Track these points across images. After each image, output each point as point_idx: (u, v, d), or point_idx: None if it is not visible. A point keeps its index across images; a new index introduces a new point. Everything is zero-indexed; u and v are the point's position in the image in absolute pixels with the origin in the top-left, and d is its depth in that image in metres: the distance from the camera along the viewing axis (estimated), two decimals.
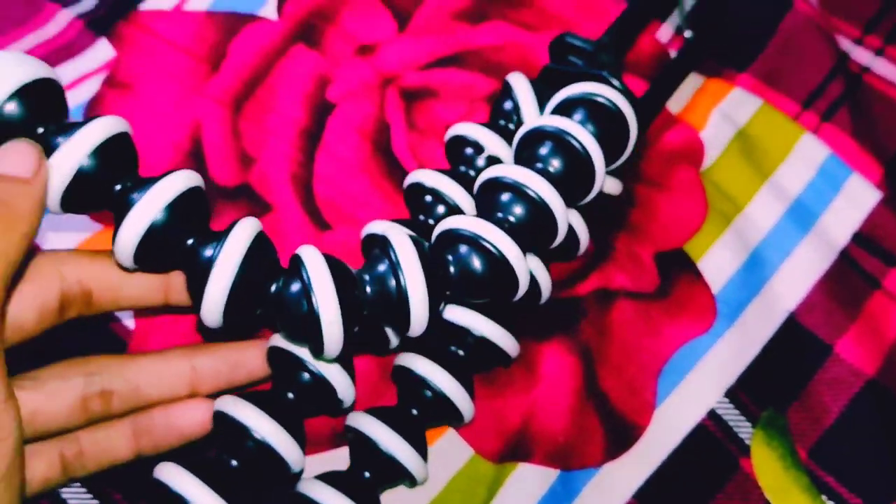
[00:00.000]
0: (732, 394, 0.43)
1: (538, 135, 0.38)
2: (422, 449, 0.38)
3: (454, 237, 0.35)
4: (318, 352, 0.34)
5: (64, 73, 0.49)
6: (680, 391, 0.43)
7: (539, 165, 0.37)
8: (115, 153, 0.33)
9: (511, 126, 0.44)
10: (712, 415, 0.43)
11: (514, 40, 0.51)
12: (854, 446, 0.42)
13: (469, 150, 0.43)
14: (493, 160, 0.42)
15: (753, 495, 0.41)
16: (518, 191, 0.36)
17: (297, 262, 0.34)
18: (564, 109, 0.39)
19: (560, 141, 0.37)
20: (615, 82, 0.41)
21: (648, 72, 0.51)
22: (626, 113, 0.39)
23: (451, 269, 0.35)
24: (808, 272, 0.46)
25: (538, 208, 0.36)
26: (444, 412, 0.39)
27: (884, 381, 0.43)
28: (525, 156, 0.38)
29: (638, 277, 0.45)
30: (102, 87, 0.49)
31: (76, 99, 0.48)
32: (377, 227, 0.40)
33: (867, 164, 0.48)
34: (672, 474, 0.41)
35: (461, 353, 0.40)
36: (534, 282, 0.41)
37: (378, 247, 0.35)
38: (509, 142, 0.42)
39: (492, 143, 0.42)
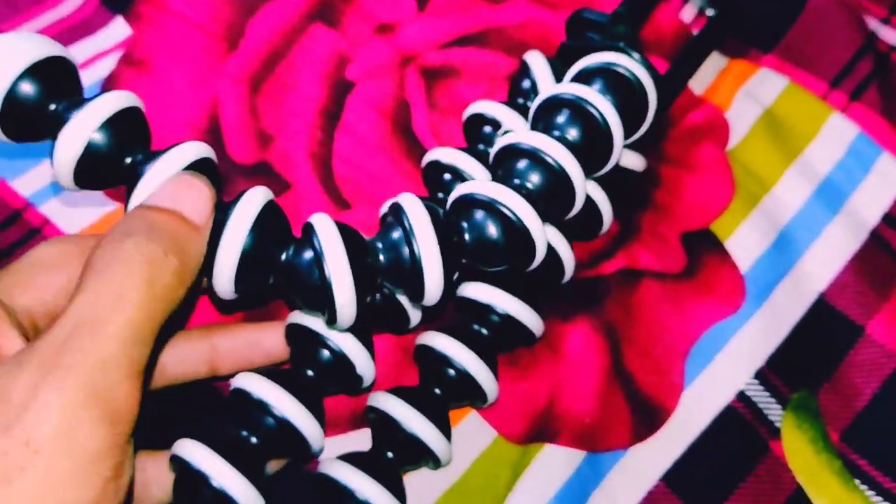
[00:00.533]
0: (762, 375, 0.42)
1: (555, 103, 0.37)
2: (445, 429, 0.38)
3: (470, 202, 0.34)
4: (331, 321, 0.33)
5: (80, 51, 0.49)
6: (708, 372, 0.42)
7: (556, 133, 0.36)
8: (125, 127, 0.32)
9: (529, 104, 0.42)
10: (742, 396, 0.42)
11: (536, 18, 0.50)
12: (887, 429, 0.41)
13: (487, 128, 0.42)
14: None
15: (785, 479, 0.40)
16: (535, 157, 0.35)
17: (308, 230, 0.33)
18: (582, 79, 0.38)
19: (577, 108, 0.36)
20: (633, 52, 0.40)
21: (671, 52, 0.50)
22: (645, 81, 0.38)
23: (466, 235, 0.34)
24: (838, 252, 0.45)
25: (556, 175, 0.35)
26: (468, 391, 0.38)
27: None
28: (542, 124, 0.37)
29: (664, 257, 0.44)
30: (119, 66, 0.48)
31: (92, 77, 0.48)
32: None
33: None
34: (701, 457, 0.40)
35: (484, 331, 0.39)
36: (557, 258, 0.40)
37: (391, 214, 0.34)
38: (528, 119, 0.41)
39: (510, 120, 0.41)
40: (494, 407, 0.41)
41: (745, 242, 0.45)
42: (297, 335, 0.37)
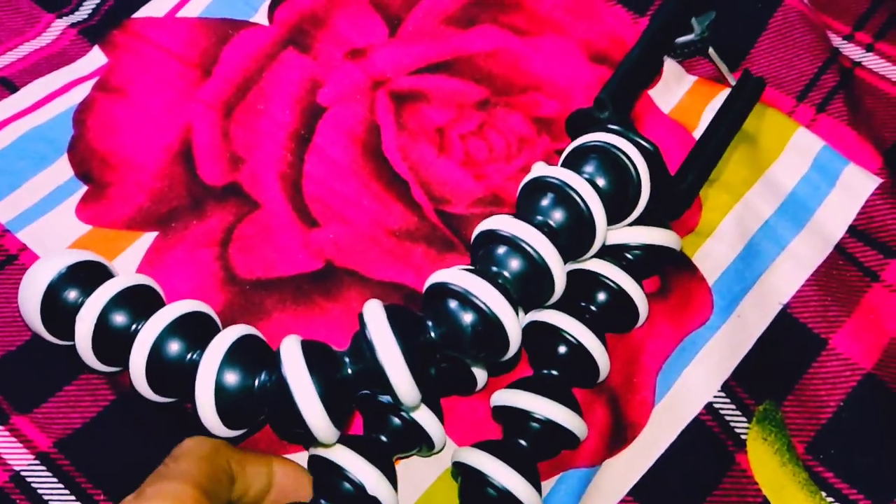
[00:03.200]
0: (728, 387, 0.42)
1: (539, 185, 0.38)
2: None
3: (442, 292, 0.35)
4: (311, 439, 0.34)
5: (57, 79, 0.50)
6: (678, 386, 0.42)
7: (538, 218, 0.37)
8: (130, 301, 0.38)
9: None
10: (709, 408, 0.42)
11: (505, 46, 0.51)
12: (853, 440, 0.41)
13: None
14: None
15: (750, 491, 0.40)
16: (513, 244, 0.36)
17: (276, 357, 0.34)
18: (571, 159, 0.39)
19: (560, 192, 0.37)
20: (627, 132, 0.40)
21: None
22: (635, 159, 0.39)
23: (432, 333, 0.34)
24: (802, 266, 0.45)
25: (534, 263, 0.36)
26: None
27: (882, 376, 0.42)
28: (524, 207, 0.38)
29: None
30: (93, 92, 0.49)
31: (67, 103, 0.49)
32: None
33: (865, 152, 0.48)
34: (668, 471, 0.40)
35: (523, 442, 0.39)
36: (592, 361, 0.40)
37: (359, 322, 0.35)
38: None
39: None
40: (460, 424, 0.41)
41: (712, 254, 0.45)
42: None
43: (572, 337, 0.39)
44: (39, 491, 0.39)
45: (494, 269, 0.36)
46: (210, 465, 0.32)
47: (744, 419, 0.41)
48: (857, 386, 0.42)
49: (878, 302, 0.44)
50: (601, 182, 0.38)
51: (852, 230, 0.46)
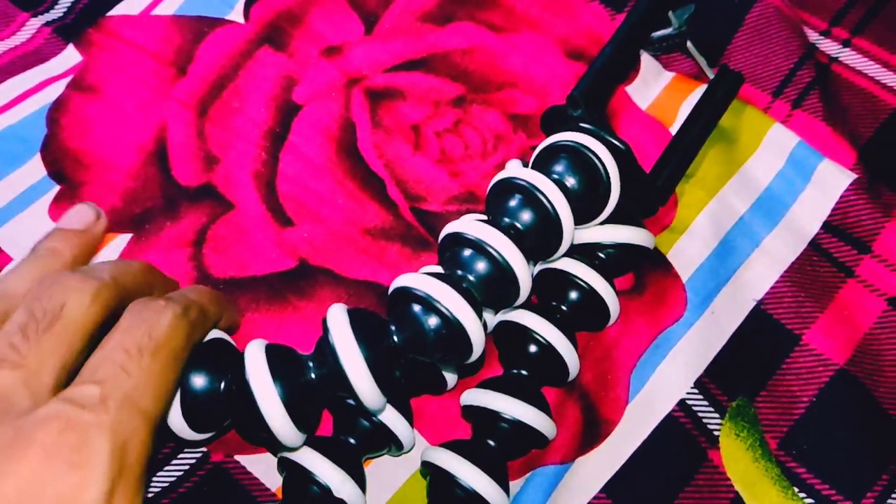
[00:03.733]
0: (701, 384, 0.42)
1: (505, 187, 0.38)
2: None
3: (404, 296, 0.35)
4: (277, 443, 0.34)
5: (31, 77, 0.49)
6: (652, 383, 0.42)
7: (506, 220, 0.37)
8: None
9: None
10: (682, 405, 0.42)
11: (481, 43, 0.51)
12: (825, 436, 0.41)
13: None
14: None
15: (723, 487, 0.40)
16: (478, 247, 0.36)
17: (240, 361, 0.34)
18: (541, 159, 0.40)
19: (527, 194, 0.37)
20: (597, 131, 0.40)
21: None
22: (604, 158, 0.39)
23: (395, 337, 0.35)
24: (776, 263, 0.45)
25: (499, 265, 0.36)
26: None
27: (854, 371, 0.42)
28: (491, 210, 0.38)
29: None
30: (66, 90, 0.49)
31: (41, 102, 0.49)
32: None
33: (840, 147, 0.48)
34: (640, 468, 0.40)
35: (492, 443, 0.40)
36: (562, 360, 0.40)
37: (323, 328, 0.35)
38: None
39: None
40: (432, 422, 0.41)
41: (687, 250, 0.45)
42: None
43: (541, 337, 0.39)
44: None
45: (459, 272, 0.36)
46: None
47: (717, 415, 0.42)
48: (829, 381, 0.42)
49: (852, 297, 0.45)
50: (570, 182, 0.38)
51: (827, 226, 0.46)
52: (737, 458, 0.41)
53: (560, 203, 0.37)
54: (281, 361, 0.33)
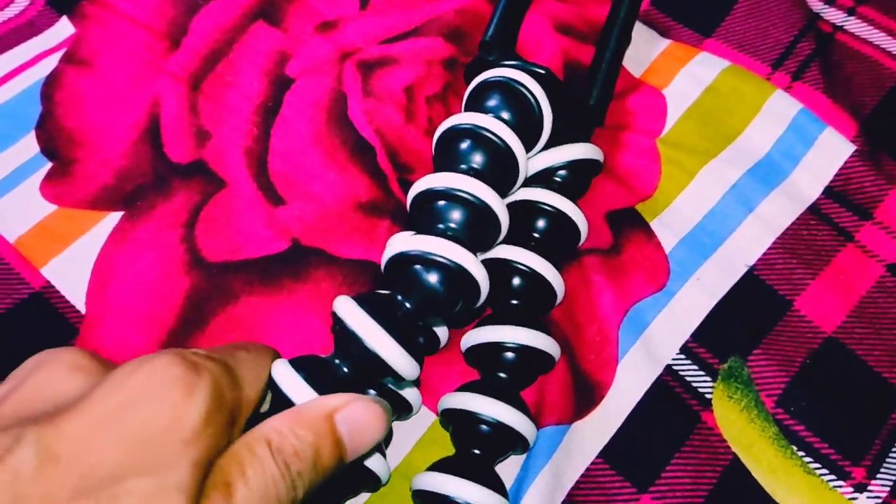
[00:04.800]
0: (688, 349, 0.43)
1: (454, 133, 0.39)
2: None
3: (402, 261, 0.36)
4: None
5: (25, 51, 0.50)
6: (636, 349, 0.43)
7: (462, 166, 0.38)
8: None
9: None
10: (669, 370, 0.42)
11: (474, 6, 0.51)
12: (822, 395, 0.41)
13: None
14: None
15: (720, 449, 0.40)
16: (451, 196, 0.37)
17: (271, 384, 0.34)
18: (477, 95, 0.40)
19: (476, 135, 0.38)
20: (522, 64, 0.41)
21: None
22: (534, 90, 0.40)
23: (407, 304, 0.35)
24: (770, 228, 0.46)
25: (476, 207, 0.37)
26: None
27: (843, 339, 0.43)
28: (445, 157, 0.39)
29: (592, 235, 0.45)
30: (60, 64, 0.50)
31: (34, 77, 0.49)
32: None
33: (841, 119, 0.48)
34: (635, 432, 0.41)
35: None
36: (547, 284, 0.41)
37: (336, 324, 0.35)
38: None
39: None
40: (433, 391, 0.41)
41: (671, 222, 0.46)
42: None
43: (524, 266, 0.40)
44: None
45: (441, 225, 0.37)
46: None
47: (707, 378, 0.42)
48: (818, 348, 0.43)
49: (850, 262, 0.45)
50: (505, 115, 0.39)
51: (828, 191, 0.47)
52: (731, 419, 0.41)
53: (506, 134, 0.38)
54: (310, 371, 0.33)
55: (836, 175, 0.47)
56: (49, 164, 0.46)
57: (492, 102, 0.39)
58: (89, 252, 0.44)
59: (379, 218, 0.45)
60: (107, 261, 0.44)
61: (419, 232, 0.37)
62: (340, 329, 0.34)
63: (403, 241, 0.36)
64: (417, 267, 0.35)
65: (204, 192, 0.46)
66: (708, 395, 0.41)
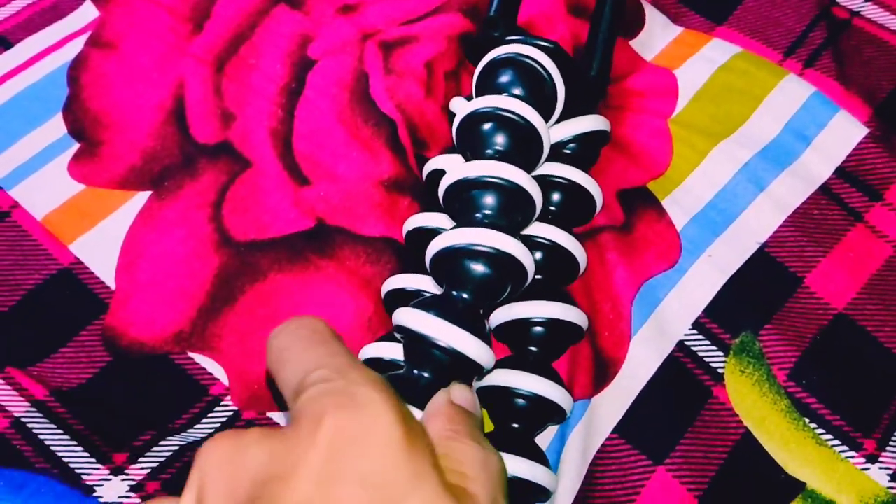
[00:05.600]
0: (700, 324, 0.44)
1: (476, 118, 0.39)
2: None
3: (450, 255, 0.37)
4: None
5: (50, 34, 0.51)
6: (649, 326, 0.44)
7: (489, 151, 0.39)
8: None
9: None
10: (681, 346, 0.43)
11: None
12: (833, 369, 0.42)
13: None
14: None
15: (731, 424, 0.41)
16: (485, 184, 0.37)
17: None
18: (489, 73, 0.41)
19: (500, 118, 0.39)
20: (530, 39, 0.42)
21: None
22: (546, 64, 0.40)
23: (465, 295, 0.36)
24: (781, 207, 0.47)
25: (510, 191, 0.37)
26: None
27: (853, 315, 0.44)
28: (468, 146, 0.40)
29: (605, 212, 0.46)
30: (86, 48, 0.51)
31: (61, 59, 0.50)
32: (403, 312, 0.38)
33: (854, 103, 0.49)
34: (647, 408, 0.42)
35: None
36: (573, 258, 0.42)
37: (404, 336, 0.36)
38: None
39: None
40: None
41: (682, 200, 0.47)
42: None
43: (545, 239, 0.41)
44: (41, 437, 0.40)
45: (478, 214, 0.38)
46: None
47: (720, 353, 0.43)
48: (828, 325, 0.43)
49: (859, 242, 0.46)
50: (518, 91, 0.40)
51: (840, 171, 0.48)
52: (743, 393, 0.42)
53: (529, 113, 0.39)
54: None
55: (849, 156, 0.47)
56: (77, 145, 0.47)
57: (505, 79, 0.40)
58: (118, 230, 0.45)
59: (400, 194, 0.46)
60: (135, 238, 0.45)
61: (459, 222, 0.38)
62: (411, 338, 0.35)
63: (451, 234, 0.37)
64: (467, 259, 0.36)
65: (230, 171, 0.47)
66: (720, 370, 0.42)
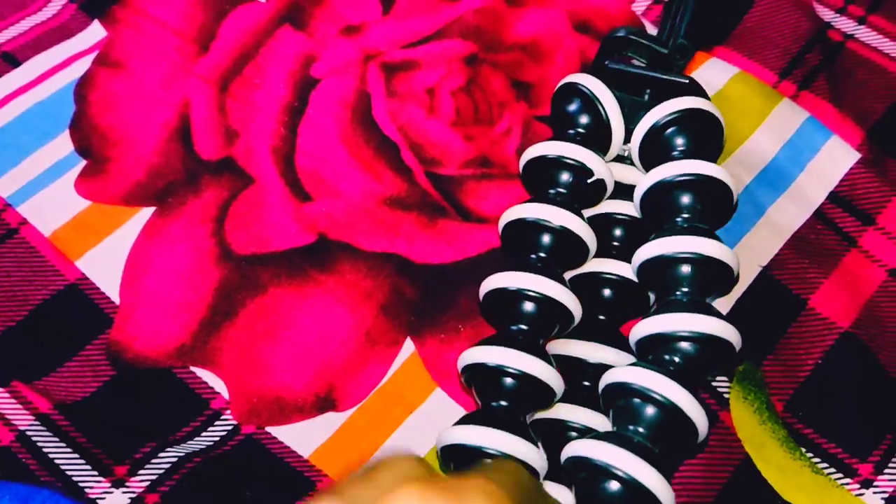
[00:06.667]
0: None
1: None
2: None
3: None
4: None
5: (57, 53, 0.52)
6: None
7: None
8: None
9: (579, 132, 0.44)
10: None
11: (493, 5, 0.53)
12: (830, 397, 0.43)
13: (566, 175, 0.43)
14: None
15: (735, 449, 0.42)
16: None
17: None
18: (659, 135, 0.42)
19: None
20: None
21: None
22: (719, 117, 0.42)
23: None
24: (780, 231, 0.47)
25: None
26: None
27: (859, 334, 0.44)
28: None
29: None
30: (93, 66, 0.51)
31: (68, 77, 0.51)
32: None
33: (847, 127, 0.49)
34: None
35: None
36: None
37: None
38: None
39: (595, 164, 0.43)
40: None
41: None
42: None
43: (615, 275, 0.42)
44: (45, 450, 0.40)
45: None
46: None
47: (725, 379, 0.43)
48: (834, 344, 0.44)
49: (854, 266, 0.46)
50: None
51: (833, 196, 0.48)
52: (745, 420, 0.42)
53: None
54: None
55: (841, 181, 0.48)
56: (83, 162, 0.48)
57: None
58: (123, 245, 0.46)
59: (405, 211, 0.47)
60: (139, 253, 0.46)
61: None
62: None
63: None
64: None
65: (233, 188, 0.48)
66: (726, 395, 0.43)
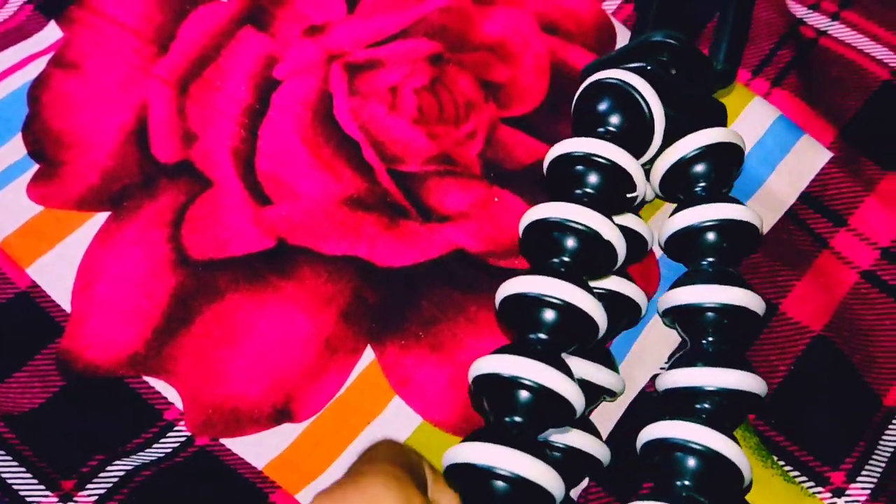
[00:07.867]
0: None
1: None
2: None
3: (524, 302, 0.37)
4: None
5: (12, 55, 0.51)
6: (629, 358, 0.43)
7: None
8: None
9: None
10: (655, 379, 0.42)
11: (459, 4, 0.52)
12: (802, 405, 0.42)
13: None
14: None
15: None
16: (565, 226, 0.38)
17: None
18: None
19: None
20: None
21: (594, 42, 0.51)
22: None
23: (542, 336, 0.37)
24: None
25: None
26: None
27: (831, 337, 0.43)
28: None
29: None
30: (48, 67, 0.50)
31: (22, 79, 0.50)
32: None
33: (818, 125, 0.49)
34: (627, 439, 0.40)
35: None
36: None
37: (482, 385, 0.36)
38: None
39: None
40: (420, 393, 0.42)
41: (656, 227, 0.46)
42: None
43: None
44: None
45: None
46: (406, 458, 0.30)
47: None
48: (806, 349, 0.43)
49: (828, 268, 0.45)
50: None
51: (805, 196, 0.47)
52: None
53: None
54: (493, 438, 0.34)
55: (814, 181, 0.47)
56: (36, 166, 0.47)
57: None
58: (75, 252, 0.45)
59: (365, 212, 0.46)
60: (92, 260, 0.44)
61: (533, 268, 0.38)
62: (495, 384, 0.35)
63: (520, 282, 0.37)
64: (538, 307, 0.36)
65: (190, 191, 0.47)
66: None
